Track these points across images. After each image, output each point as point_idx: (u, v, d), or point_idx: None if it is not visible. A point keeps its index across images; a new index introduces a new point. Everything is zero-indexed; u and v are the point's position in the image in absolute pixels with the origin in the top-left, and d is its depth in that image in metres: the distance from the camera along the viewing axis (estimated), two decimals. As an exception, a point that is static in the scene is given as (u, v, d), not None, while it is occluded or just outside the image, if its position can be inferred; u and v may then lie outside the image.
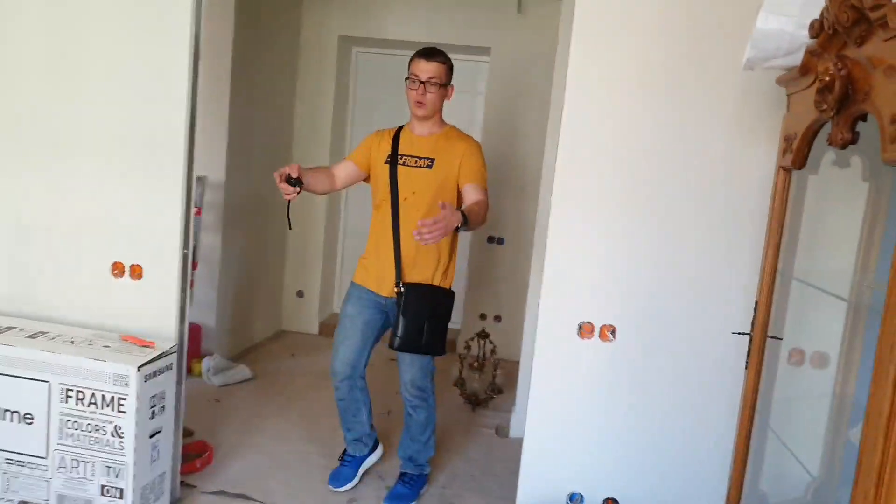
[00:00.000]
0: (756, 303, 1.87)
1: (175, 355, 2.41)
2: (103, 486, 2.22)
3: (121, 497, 2.22)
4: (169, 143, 2.44)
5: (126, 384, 2.17)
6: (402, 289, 2.53)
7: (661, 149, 2.22)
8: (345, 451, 2.99)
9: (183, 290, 2.53)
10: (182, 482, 2.70)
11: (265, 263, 4.78)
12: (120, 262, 2.50)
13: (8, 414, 2.24)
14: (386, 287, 2.60)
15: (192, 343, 3.99)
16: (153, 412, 2.28)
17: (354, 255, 5.28)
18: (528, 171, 4.60)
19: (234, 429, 3.35)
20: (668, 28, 2.19)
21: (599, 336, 2.30)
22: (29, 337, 2.31)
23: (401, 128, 2.68)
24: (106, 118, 2.48)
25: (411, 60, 2.54)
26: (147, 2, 2.41)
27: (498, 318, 4.91)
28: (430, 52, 2.53)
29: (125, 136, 2.47)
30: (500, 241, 4.90)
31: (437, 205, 2.42)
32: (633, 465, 2.34)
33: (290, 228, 2.60)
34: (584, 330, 2.30)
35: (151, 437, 2.29)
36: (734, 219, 2.21)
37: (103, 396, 2.19)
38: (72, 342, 2.30)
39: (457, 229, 2.26)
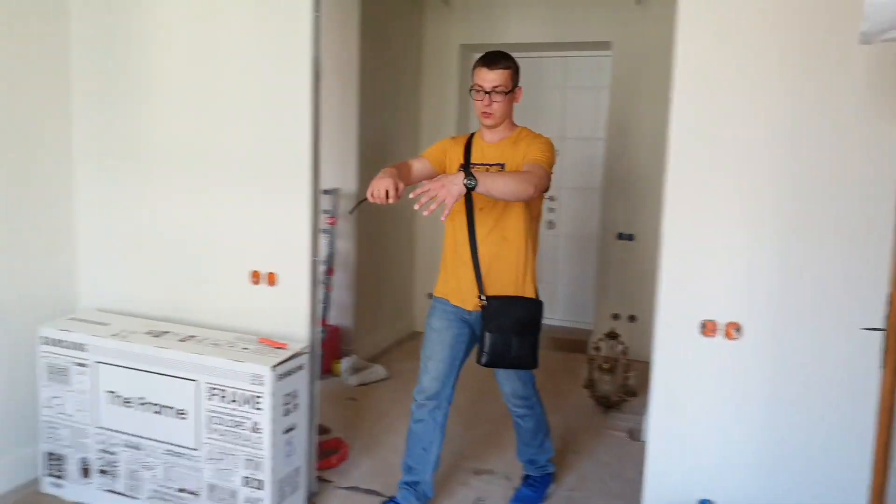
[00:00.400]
0: (890, 296, 1.70)
1: (307, 356, 2.58)
2: (245, 478, 2.42)
3: (260, 488, 2.40)
4: (296, 162, 2.61)
5: (262, 383, 2.35)
6: (485, 301, 2.41)
7: (782, 139, 2.08)
8: (392, 498, 2.68)
9: (313, 295, 2.70)
10: (319, 477, 2.88)
11: (396, 267, 4.96)
12: (257, 271, 2.71)
13: (166, 409, 2.50)
14: (469, 301, 2.47)
15: (332, 344, 4.23)
16: (287, 409, 2.45)
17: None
18: (655, 165, 4.44)
19: (369, 427, 3.51)
20: (781, 9, 2.04)
21: (724, 334, 2.18)
22: (180, 340, 2.56)
23: (473, 135, 2.56)
24: (240, 142, 2.70)
25: (474, 68, 2.41)
26: (271, 35, 2.60)
27: (633, 318, 4.76)
28: (492, 60, 2.37)
29: (257, 156, 2.68)
30: (630, 237, 4.76)
31: (510, 212, 2.41)
32: (764, 470, 2.19)
33: (350, 213, 2.67)
34: (707, 328, 2.19)
35: (286, 433, 2.46)
36: (862, 207, 2.02)
37: (242, 394, 2.38)
38: (216, 345, 2.53)
39: (468, 191, 2.03)
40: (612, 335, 3.99)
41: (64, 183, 2.90)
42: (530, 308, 2.46)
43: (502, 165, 2.42)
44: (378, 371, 4.20)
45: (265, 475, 2.39)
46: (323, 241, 4.11)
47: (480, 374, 4.48)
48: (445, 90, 5.02)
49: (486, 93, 2.37)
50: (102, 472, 2.63)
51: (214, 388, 2.42)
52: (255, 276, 2.72)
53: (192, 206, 2.81)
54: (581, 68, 5.05)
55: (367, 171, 4.33)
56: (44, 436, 2.71)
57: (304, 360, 2.55)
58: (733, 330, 2.17)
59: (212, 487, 2.47)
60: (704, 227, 2.18)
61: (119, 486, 2.61)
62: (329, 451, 3.10)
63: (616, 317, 4.80)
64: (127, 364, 2.53)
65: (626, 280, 4.80)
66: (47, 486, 2.73)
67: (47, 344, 2.65)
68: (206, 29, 2.71)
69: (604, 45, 4.72)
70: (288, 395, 2.45)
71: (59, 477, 2.70)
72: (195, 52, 2.73)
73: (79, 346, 2.60)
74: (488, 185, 2.07)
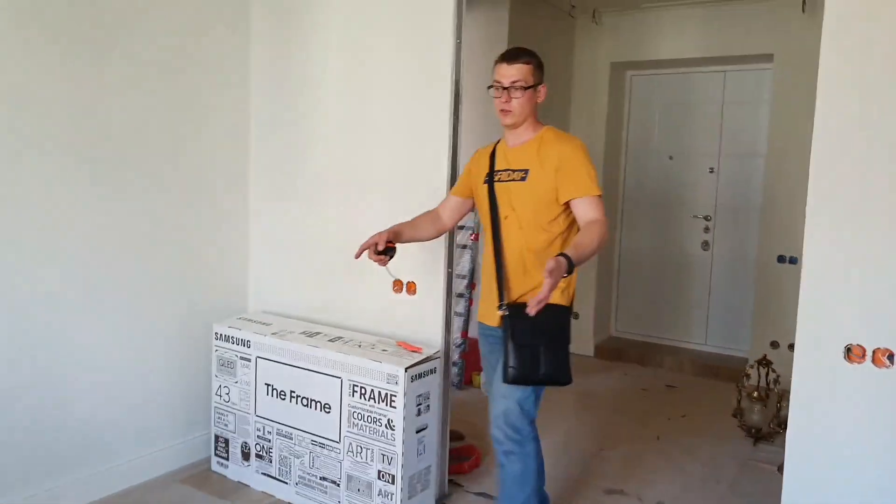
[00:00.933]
0: None
1: (439, 361, 2.72)
2: (380, 472, 2.59)
3: (392, 483, 2.56)
4: (435, 179, 2.78)
5: (396, 383, 2.52)
6: (506, 310, 2.16)
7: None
8: None
9: (448, 305, 2.84)
10: (450, 480, 3.00)
11: (541, 285, 5.00)
12: (399, 280, 2.91)
13: (313, 403, 2.75)
14: (493, 316, 2.26)
15: (473, 357, 4.36)
16: (419, 409, 2.60)
17: (630, 275, 5.28)
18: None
19: (503, 438, 3.58)
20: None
21: (873, 361, 2.02)
22: (330, 340, 2.81)
23: (499, 141, 2.40)
24: (386, 161, 2.92)
25: (495, 65, 2.27)
26: (414, 62, 2.82)
27: (792, 347, 4.44)
28: (512, 55, 2.23)
29: (400, 174, 2.89)
30: (793, 260, 4.46)
31: (538, 223, 2.21)
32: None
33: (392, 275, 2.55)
34: (854, 354, 2.05)
35: (418, 432, 2.60)
36: None
37: (379, 393, 2.57)
38: (359, 346, 2.74)
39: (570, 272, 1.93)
40: (765, 363, 3.76)
41: (241, 201, 3.30)
42: (556, 314, 2.15)
43: (527, 171, 2.22)
44: (517, 385, 4.26)
45: (397, 470, 2.55)
46: (465, 255, 4.28)
47: (613, 391, 4.42)
48: (594, 109, 5.03)
49: (505, 88, 2.21)
50: (259, 456, 2.93)
51: (356, 386, 2.62)
52: (398, 285, 2.91)
53: (345, 220, 3.07)
54: (739, 83, 4.84)
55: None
56: (213, 421, 3.07)
57: (436, 364, 2.69)
58: (884, 357, 2.01)
59: (350, 478, 2.67)
60: (850, 245, 2.05)
61: (272, 471, 2.90)
62: (462, 457, 3.21)
63: (774, 345, 4.51)
64: (283, 360, 2.82)
65: (785, 305, 4.48)
66: (215, 465, 3.09)
67: (219, 340, 3.02)
68: (356, 61, 2.99)
69: (765, 58, 4.50)
70: (420, 395, 2.60)
71: (224, 458, 3.05)
72: (347, 83, 3.02)
73: (244, 343, 2.93)
74: (581, 259, 1.97)
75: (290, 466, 2.84)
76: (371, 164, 2.98)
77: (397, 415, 2.53)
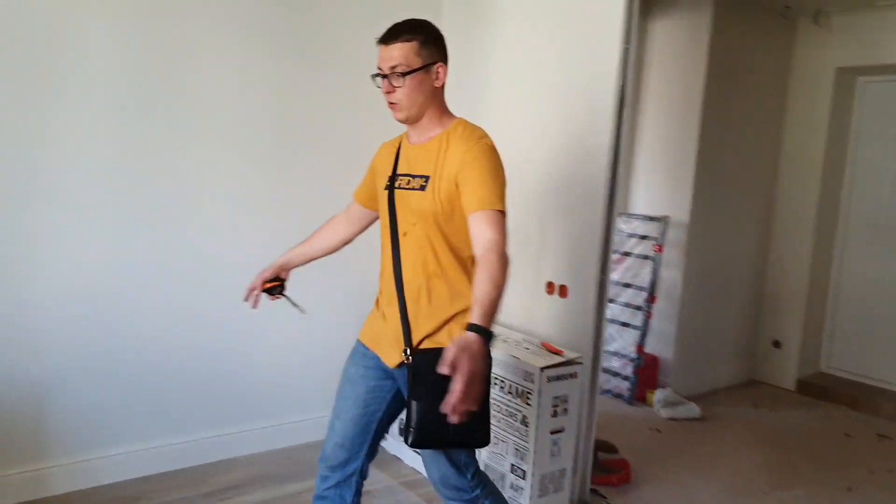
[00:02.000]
0: None
1: (581, 367, 2.71)
2: (512, 465, 2.66)
3: (524, 478, 2.62)
4: (592, 183, 2.78)
5: (532, 381, 2.58)
6: (410, 358, 1.77)
7: None
8: None
9: (599, 311, 2.82)
10: (594, 490, 2.97)
11: (735, 306, 4.66)
12: (552, 282, 2.95)
13: (460, 391, 2.90)
14: (388, 353, 1.86)
15: (648, 373, 4.22)
16: (555, 411, 2.62)
17: (849, 306, 4.69)
18: None
19: (663, 459, 3.43)
20: None
21: None
22: (479, 334, 2.94)
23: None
24: (546, 161, 2.98)
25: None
26: (579, 65, 2.83)
27: None
28: (389, 33, 1.80)
29: (558, 174, 2.93)
30: None
31: (443, 243, 1.80)
32: None
33: (304, 312, 2.18)
34: None
35: (553, 433, 2.63)
36: None
37: (517, 388, 2.64)
38: (505, 341, 2.84)
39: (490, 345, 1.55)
40: None
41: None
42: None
43: (427, 178, 1.80)
44: (692, 409, 4.04)
45: (528, 467, 2.60)
46: (646, 267, 4.15)
47: (808, 432, 3.96)
48: (813, 119, 4.56)
49: (384, 76, 1.80)
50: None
51: (496, 379, 2.73)
52: (550, 287, 2.95)
53: (511, 217, 3.18)
54: None
55: (701, 201, 4.22)
56: (379, 396, 3.36)
57: (578, 369, 2.69)
58: None
59: (486, 467, 2.78)
60: None
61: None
62: (612, 469, 3.15)
63: None
64: (437, 347, 3.01)
65: None
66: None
67: (389, 322, 3.30)
68: (520, 63, 3.10)
69: None
70: (557, 397, 2.62)
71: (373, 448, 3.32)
72: (511, 85, 3.13)
73: (408, 327, 3.18)
74: (493, 316, 1.57)
75: (436, 448, 3.02)
76: (534, 162, 3.06)
77: (531, 413, 2.59)
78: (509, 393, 2.68)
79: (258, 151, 3.01)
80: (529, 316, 3.05)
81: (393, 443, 3.26)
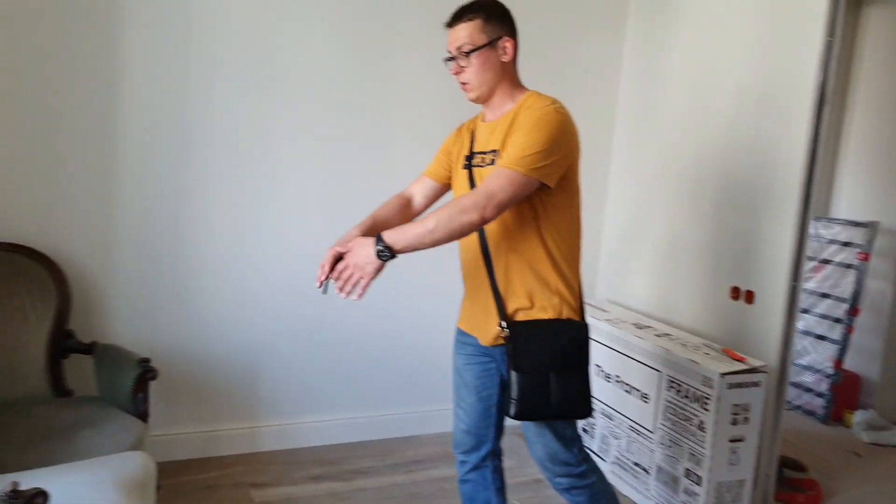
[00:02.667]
0: None
1: (766, 376, 2.60)
2: (687, 470, 2.63)
3: (698, 484, 2.57)
4: (784, 184, 2.65)
5: (711, 386, 2.52)
6: (507, 330, 1.78)
7: None
8: None
9: (788, 320, 2.69)
10: (776, 506, 2.84)
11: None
12: (737, 287, 2.85)
13: (633, 391, 2.90)
14: (484, 332, 1.87)
15: (847, 392, 3.91)
16: (734, 419, 2.55)
17: None
18: None
19: (860, 484, 3.17)
20: None
21: None
22: (656, 335, 2.92)
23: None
24: (732, 159, 2.88)
25: None
26: (772, 56, 2.70)
27: None
28: (454, 15, 1.82)
29: (745, 174, 2.82)
30: None
31: (517, 216, 1.77)
32: None
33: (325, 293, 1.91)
34: None
35: (731, 441, 2.56)
36: None
37: (694, 392, 2.60)
38: (683, 345, 2.80)
39: (382, 258, 1.62)
40: None
41: (600, 196, 3.60)
42: (572, 333, 1.81)
43: (495, 152, 1.80)
44: (899, 435, 3.67)
45: (703, 473, 2.56)
46: (849, 276, 3.84)
47: None
48: None
49: (452, 58, 1.83)
50: (584, 430, 3.21)
51: (672, 381, 2.70)
52: (734, 292, 2.86)
53: (683, 217, 3.12)
54: None
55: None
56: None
57: (761, 378, 2.59)
58: None
59: (659, 469, 2.76)
60: None
61: (594, 446, 3.15)
62: (799, 489, 2.98)
63: None
64: (613, 346, 3.03)
65: None
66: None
67: (565, 319, 3.38)
68: (704, 57, 3.00)
69: None
70: (737, 406, 2.55)
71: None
72: (691, 80, 3.05)
73: (584, 325, 3.24)
74: (409, 241, 1.62)
75: (609, 446, 3.05)
76: (715, 161, 2.97)
77: (709, 418, 2.54)
78: (685, 397, 2.64)
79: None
80: (710, 321, 2.97)
81: (565, 437, 3.33)
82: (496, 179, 1.67)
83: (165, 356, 2.77)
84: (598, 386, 3.11)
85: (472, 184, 1.86)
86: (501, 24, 1.81)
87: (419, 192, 2.07)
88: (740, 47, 2.87)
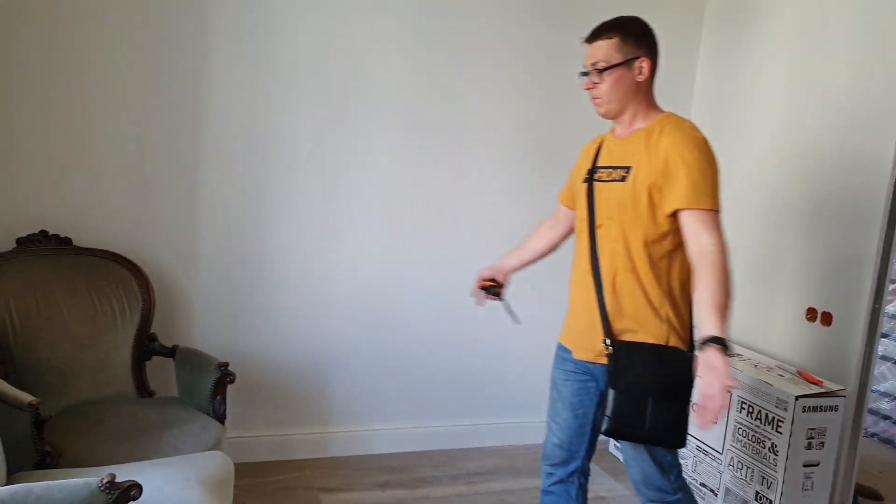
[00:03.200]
0: None
1: (843, 400, 2.53)
2: (757, 493, 2.57)
3: (770, 508, 2.52)
4: (869, 201, 2.58)
5: (784, 409, 2.47)
6: (611, 348, 1.80)
7: None
8: None
9: (868, 343, 2.60)
10: (852, 535, 2.74)
11: None
12: (814, 308, 2.78)
13: (703, 411, 2.86)
14: (587, 348, 1.89)
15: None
16: (809, 444, 2.48)
17: None
18: None
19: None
20: None
21: None
22: (727, 355, 2.87)
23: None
24: (811, 176, 2.82)
25: None
26: (867, 53, 2.64)
27: None
28: (593, 32, 1.87)
29: (829, 191, 2.75)
30: None
31: (638, 237, 1.77)
32: None
33: (517, 321, 2.22)
34: None
35: (805, 466, 2.49)
36: None
37: (766, 415, 2.54)
38: (755, 366, 2.74)
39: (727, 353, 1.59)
40: None
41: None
42: (677, 362, 1.77)
43: (628, 169, 1.81)
44: None
45: (775, 497, 2.50)
46: (932, 299, 3.68)
47: None
48: None
49: (585, 73, 1.87)
50: (650, 448, 3.17)
51: (744, 402, 2.65)
52: (811, 314, 2.79)
53: (758, 238, 3.06)
54: None
55: None
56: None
57: (839, 402, 2.51)
58: None
59: (728, 491, 2.71)
60: None
61: (659, 465, 3.10)
62: (875, 519, 2.88)
63: None
64: (681, 364, 2.99)
65: None
66: (611, 447, 3.44)
67: (631, 336, 3.35)
68: (792, 60, 2.94)
69: None
70: (812, 430, 2.48)
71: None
72: (780, 87, 2.99)
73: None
74: (723, 323, 1.63)
75: (675, 466, 3.00)
76: (792, 178, 2.91)
77: (781, 441, 2.48)
78: (756, 419, 2.59)
79: (512, 162, 3.26)
80: (784, 342, 2.90)
81: (630, 455, 3.30)
82: (706, 228, 1.71)
83: (241, 361, 2.87)
84: (664, 404, 3.07)
85: (591, 198, 1.88)
86: (639, 43, 1.83)
87: (557, 220, 2.18)
88: (831, 57, 2.78)
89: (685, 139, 1.75)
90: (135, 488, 1.51)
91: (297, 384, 3.08)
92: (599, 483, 3.10)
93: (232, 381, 2.44)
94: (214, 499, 1.83)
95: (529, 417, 3.44)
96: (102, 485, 1.45)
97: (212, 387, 2.41)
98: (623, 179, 1.81)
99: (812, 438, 2.49)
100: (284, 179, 2.95)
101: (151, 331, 2.66)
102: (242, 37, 2.82)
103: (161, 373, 2.68)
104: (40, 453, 1.96)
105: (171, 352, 2.62)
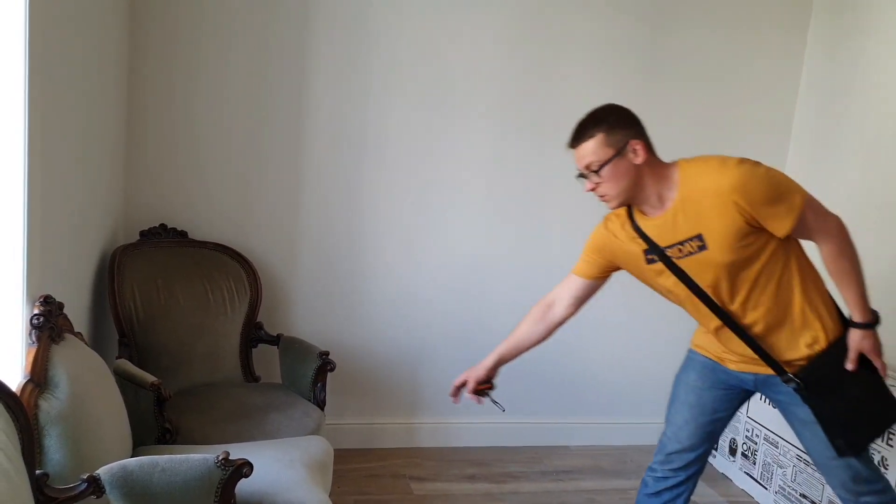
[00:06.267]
0: None
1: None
2: (860, 507, 2.47)
3: (874, 524, 2.41)
4: None
5: None
6: (797, 383, 1.81)
7: None
8: None
9: None
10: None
11: None
12: None
13: (802, 419, 2.76)
14: (752, 364, 1.89)
15: None
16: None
17: None
18: None
19: None
20: None
21: None
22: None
23: (630, 213, 1.89)
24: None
25: None
26: None
27: None
28: (573, 136, 1.82)
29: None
30: None
31: (751, 287, 1.79)
32: None
33: (503, 410, 2.19)
34: None
35: (914, 481, 2.37)
36: None
37: (872, 426, 2.44)
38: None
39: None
40: None
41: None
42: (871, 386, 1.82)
43: (698, 236, 1.75)
44: None
45: (880, 513, 2.39)
46: None
47: None
48: None
49: (582, 176, 1.84)
50: (744, 455, 3.09)
51: None
52: None
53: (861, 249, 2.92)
54: None
55: None
56: (711, 412, 3.35)
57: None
58: None
59: (830, 502, 2.61)
60: None
61: (755, 472, 3.02)
62: None
63: None
64: (780, 370, 2.90)
65: None
66: (705, 451, 3.37)
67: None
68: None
69: None
70: (923, 443, 2.36)
71: (714, 448, 3.30)
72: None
73: (747, 346, 3.12)
74: (863, 297, 1.80)
75: (772, 474, 2.92)
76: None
77: (893, 454, 2.37)
78: None
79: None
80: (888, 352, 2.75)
81: (722, 461, 3.23)
82: (813, 218, 1.73)
83: (337, 351, 2.99)
84: (763, 411, 2.99)
85: (684, 276, 1.82)
86: (624, 129, 1.78)
87: (567, 295, 2.05)
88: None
89: (731, 176, 1.69)
90: (247, 466, 1.63)
91: (388, 374, 3.19)
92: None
93: (332, 370, 2.57)
94: (317, 480, 1.94)
95: (615, 419, 3.42)
96: (219, 461, 1.58)
97: (313, 374, 2.54)
98: (702, 249, 1.76)
99: (921, 452, 2.37)
100: (379, 178, 3.06)
101: (258, 320, 2.83)
102: (342, 40, 2.94)
103: (266, 360, 2.85)
104: (161, 429, 2.13)
105: (275, 340, 2.78)
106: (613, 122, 1.78)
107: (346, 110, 2.99)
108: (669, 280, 1.85)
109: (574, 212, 3.24)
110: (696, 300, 1.84)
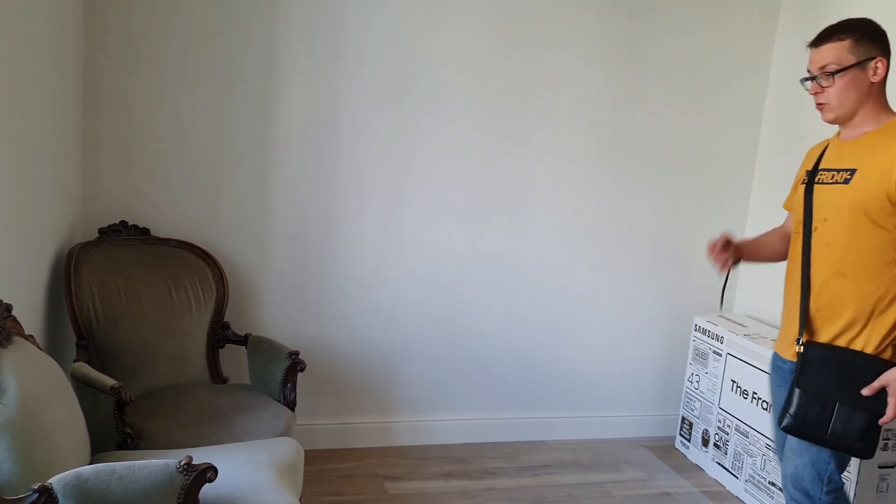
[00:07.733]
0: None
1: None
2: (831, 495, 2.49)
3: (844, 510, 2.43)
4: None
5: (861, 408, 2.38)
6: (802, 347, 1.81)
7: None
8: None
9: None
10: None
11: None
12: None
13: (772, 408, 2.77)
14: (789, 348, 1.90)
15: None
16: (885, 444, 2.39)
17: None
18: None
19: None
20: None
21: None
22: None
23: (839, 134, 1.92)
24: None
25: None
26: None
27: None
28: (820, 35, 1.79)
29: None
30: None
31: (856, 242, 1.72)
32: None
33: (721, 307, 2.28)
34: None
35: (881, 468, 2.40)
36: None
37: (841, 414, 2.46)
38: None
39: None
40: None
41: (741, 206, 3.47)
42: (867, 370, 1.70)
43: (853, 172, 1.76)
44: None
45: (849, 495, 2.41)
46: None
47: None
48: None
49: (812, 78, 1.80)
50: (716, 445, 3.10)
51: (817, 401, 2.56)
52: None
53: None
54: None
55: None
56: (683, 403, 3.36)
57: (921, 402, 2.40)
58: None
59: (799, 492, 2.63)
60: None
61: (726, 462, 3.04)
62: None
63: None
64: (750, 361, 2.92)
65: None
66: (678, 443, 3.39)
67: (697, 331, 3.28)
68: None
69: None
70: (888, 430, 2.39)
71: (686, 439, 3.32)
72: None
73: (718, 338, 3.13)
74: None
75: (743, 463, 2.93)
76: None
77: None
78: (832, 418, 2.50)
79: (583, 158, 3.23)
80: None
81: (696, 452, 3.24)
82: None
83: (309, 351, 2.95)
84: (734, 402, 3.01)
85: (808, 200, 1.84)
86: (874, 44, 1.75)
87: (786, 233, 2.06)
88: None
89: None
90: (211, 470, 1.57)
91: (363, 373, 3.15)
92: (664, 479, 3.07)
93: (303, 369, 2.52)
94: (286, 483, 1.89)
95: (594, 412, 3.42)
96: (181, 466, 1.52)
97: (283, 374, 2.49)
98: (846, 182, 1.76)
99: (888, 440, 2.40)
100: (348, 177, 3.00)
101: (225, 319, 2.76)
102: (313, 31, 2.88)
103: (234, 360, 2.78)
104: (121, 434, 2.07)
105: (243, 340, 2.72)
106: (866, 33, 1.76)
107: (315, 107, 2.92)
108: (799, 203, 1.89)
109: (553, 210, 3.23)
110: (800, 237, 1.86)
